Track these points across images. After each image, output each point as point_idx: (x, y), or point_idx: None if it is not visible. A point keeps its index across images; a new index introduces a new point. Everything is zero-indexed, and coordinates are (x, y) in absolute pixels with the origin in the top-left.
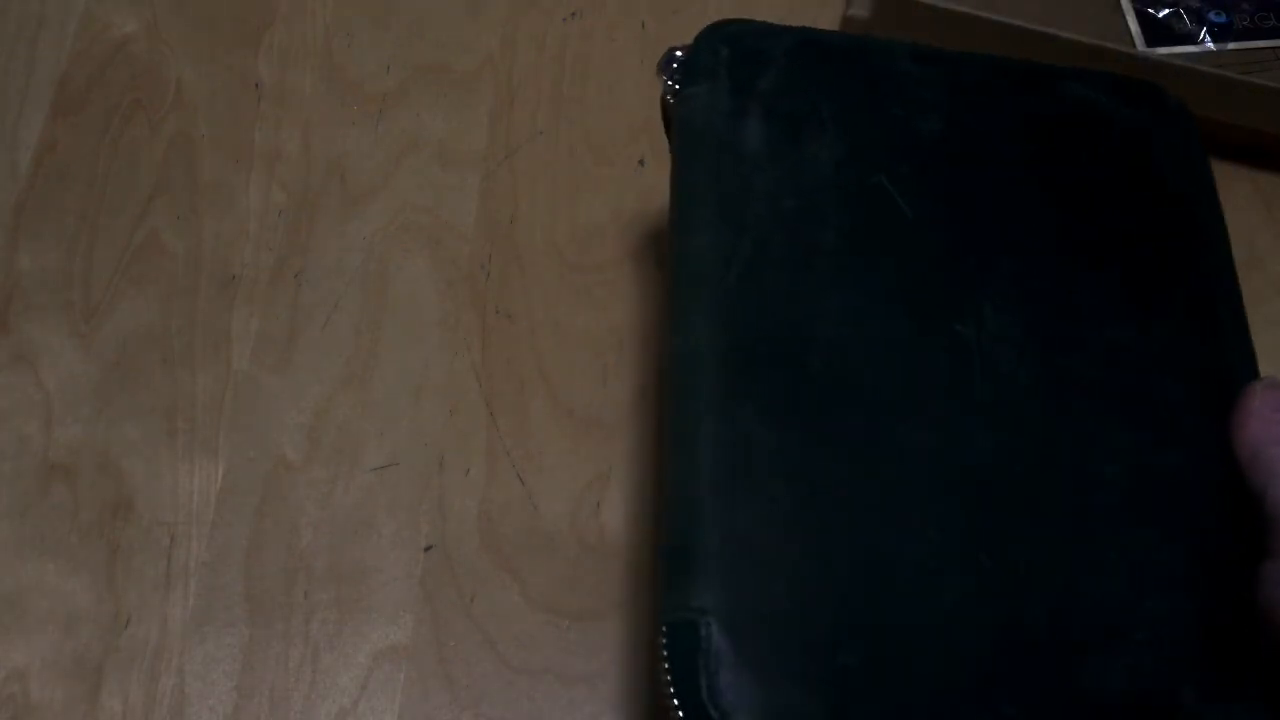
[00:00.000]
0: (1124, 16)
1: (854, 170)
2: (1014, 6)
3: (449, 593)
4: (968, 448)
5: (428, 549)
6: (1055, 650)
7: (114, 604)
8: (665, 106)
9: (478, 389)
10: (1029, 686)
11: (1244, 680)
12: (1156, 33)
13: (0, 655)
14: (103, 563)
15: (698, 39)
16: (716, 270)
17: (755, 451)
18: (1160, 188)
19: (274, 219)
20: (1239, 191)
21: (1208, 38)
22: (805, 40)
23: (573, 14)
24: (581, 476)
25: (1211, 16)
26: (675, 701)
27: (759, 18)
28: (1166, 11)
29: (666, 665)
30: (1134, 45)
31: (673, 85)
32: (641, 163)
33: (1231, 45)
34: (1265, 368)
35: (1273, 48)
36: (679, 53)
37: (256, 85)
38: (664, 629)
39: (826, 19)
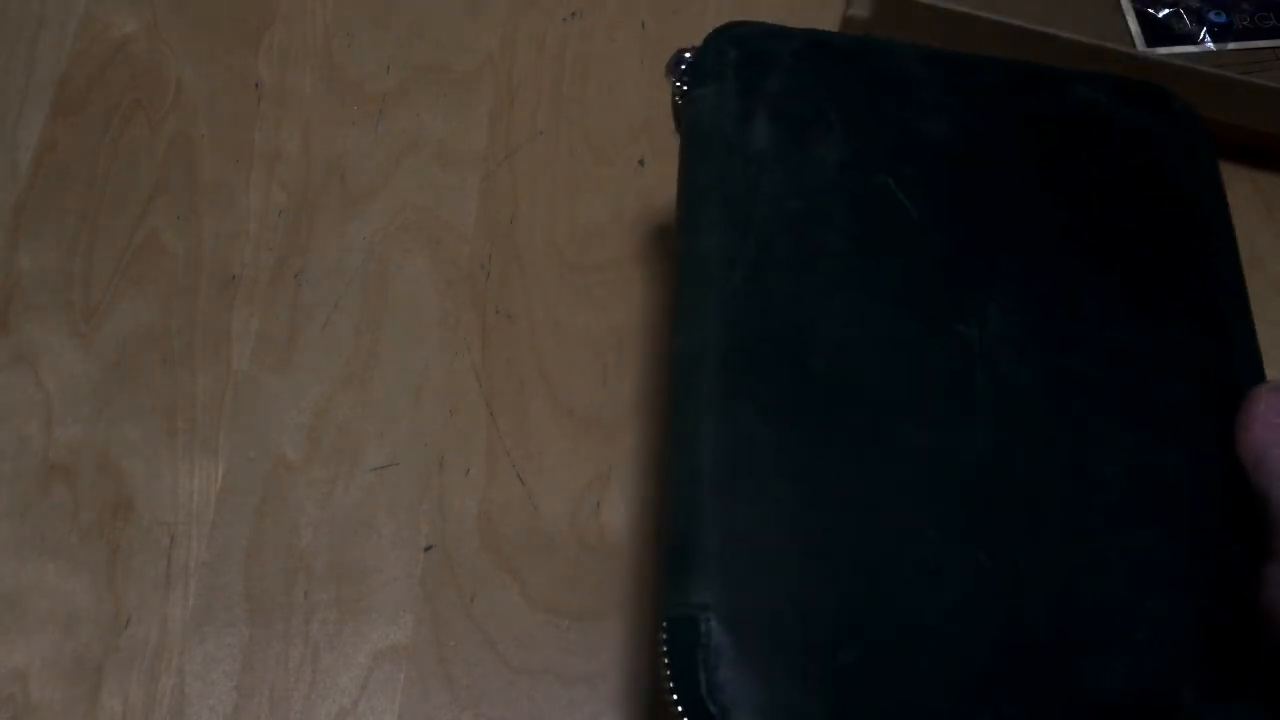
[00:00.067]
0: (1124, 16)
1: (860, 172)
2: (1014, 6)
3: (449, 593)
4: (969, 448)
5: (428, 549)
6: (1055, 650)
7: (114, 604)
8: (676, 108)
9: (478, 389)
10: (1029, 686)
11: (1244, 680)
12: (1156, 33)
13: (0, 655)
14: (103, 563)
15: (706, 40)
16: (721, 271)
17: (757, 450)
18: (1166, 190)
19: (274, 219)
20: (1239, 191)
21: (1208, 38)
22: (813, 42)
23: (573, 14)
24: (581, 476)
25: (1211, 16)
26: (675, 697)
27: (759, 18)
28: (1166, 11)
29: (666, 660)
30: (1134, 45)
31: (681, 86)
32: (641, 163)
33: (1231, 45)
34: (1266, 368)
35: (1273, 48)
36: (687, 54)
37: (256, 85)
38: (664, 624)
39: (827, 19)
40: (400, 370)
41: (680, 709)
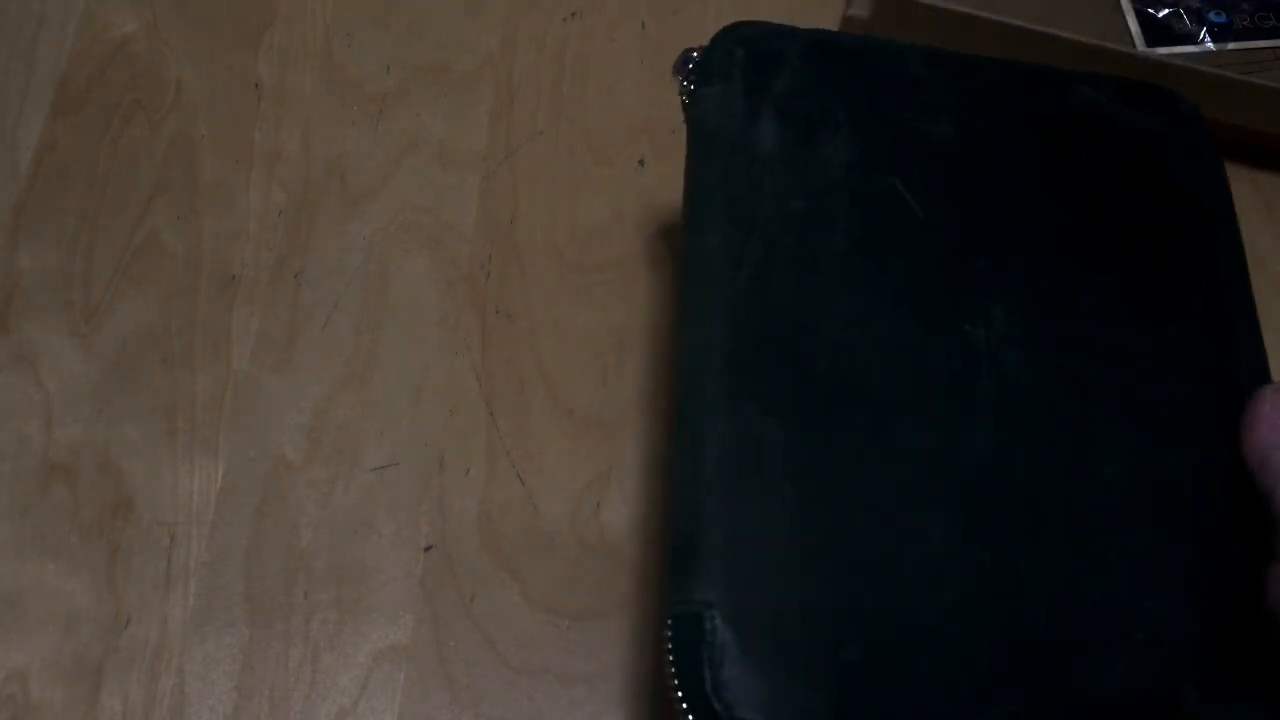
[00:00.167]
0: (1124, 16)
1: (864, 172)
2: (1014, 6)
3: (449, 593)
4: (970, 448)
5: (428, 549)
6: (1055, 650)
7: (114, 604)
8: (685, 107)
9: (478, 389)
10: (1029, 685)
11: (1245, 680)
12: (1156, 33)
13: (0, 655)
14: (103, 563)
15: (713, 40)
16: (726, 271)
17: (761, 450)
18: (1171, 191)
19: (274, 219)
20: (1239, 191)
21: (1208, 38)
22: (819, 42)
23: (573, 14)
24: (581, 476)
25: (1211, 16)
26: (679, 694)
27: (759, 18)
28: (1166, 11)
29: (671, 658)
30: (1134, 45)
31: (687, 86)
32: (641, 163)
33: (1231, 45)
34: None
35: (1273, 48)
36: (694, 53)
37: (256, 85)
38: (669, 622)
39: (827, 19)
40: (400, 370)
41: (685, 706)
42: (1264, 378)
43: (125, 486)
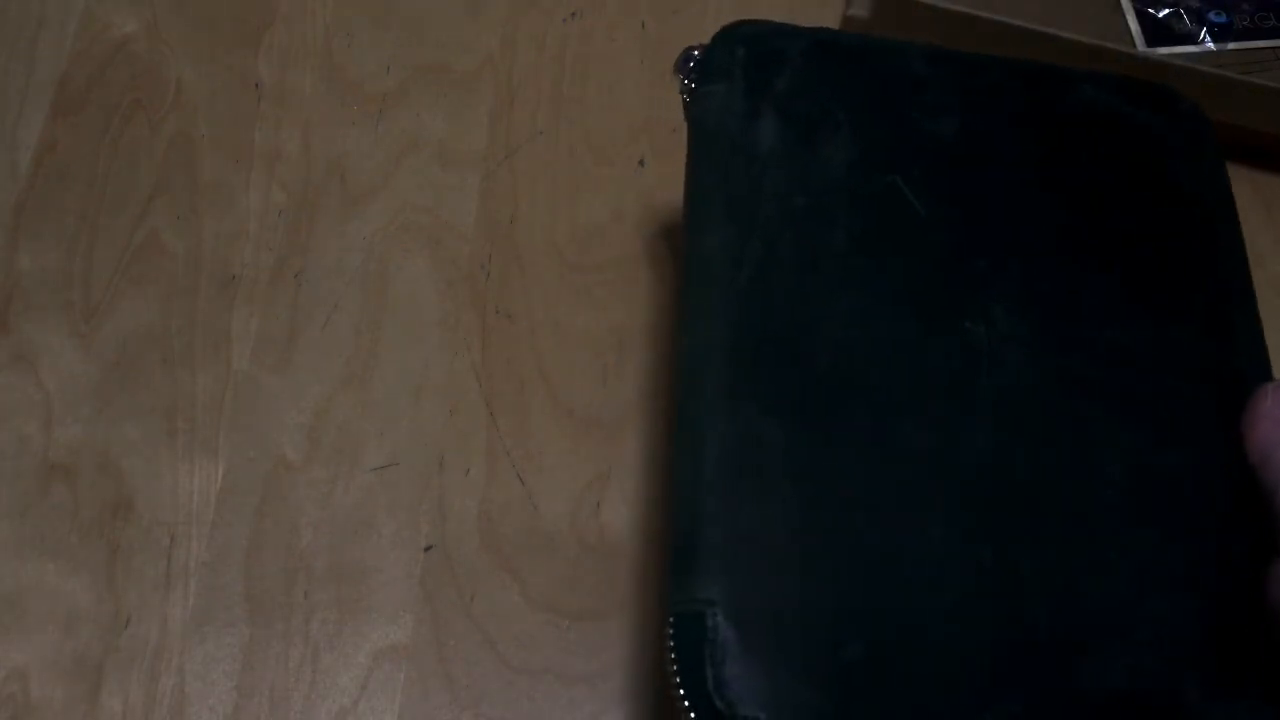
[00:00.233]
0: (1124, 16)
1: (865, 171)
2: (1014, 6)
3: (449, 593)
4: (970, 447)
5: (428, 549)
6: (1056, 649)
7: (114, 604)
8: (685, 106)
9: (478, 389)
10: (1030, 685)
11: (1246, 679)
12: (1156, 33)
13: (0, 655)
14: (103, 563)
15: (715, 39)
16: (727, 270)
17: (761, 450)
18: (1173, 190)
19: (274, 219)
20: (1239, 192)
21: (1208, 38)
22: (821, 41)
23: (573, 14)
24: (581, 476)
25: (1211, 16)
26: (681, 692)
27: (759, 18)
28: (1166, 11)
29: (674, 656)
30: (1134, 45)
31: (688, 84)
32: (641, 163)
33: (1231, 45)
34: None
35: (1273, 48)
36: (696, 52)
37: (256, 85)
38: (671, 620)
39: (826, 19)
40: (400, 370)
41: (687, 704)
42: (1265, 377)
43: (125, 486)
